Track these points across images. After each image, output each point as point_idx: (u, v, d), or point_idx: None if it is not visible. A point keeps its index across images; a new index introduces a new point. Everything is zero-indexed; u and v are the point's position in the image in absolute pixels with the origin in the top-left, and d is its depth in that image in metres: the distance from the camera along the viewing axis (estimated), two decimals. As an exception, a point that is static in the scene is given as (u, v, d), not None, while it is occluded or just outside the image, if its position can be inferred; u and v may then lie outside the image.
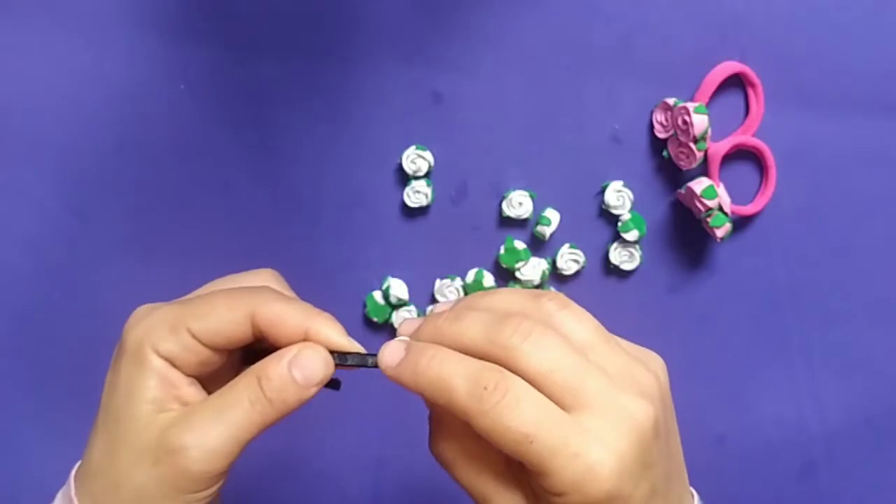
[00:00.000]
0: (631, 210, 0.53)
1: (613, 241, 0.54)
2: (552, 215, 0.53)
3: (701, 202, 0.50)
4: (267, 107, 0.53)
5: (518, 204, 0.52)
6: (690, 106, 0.49)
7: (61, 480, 0.39)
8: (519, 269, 0.53)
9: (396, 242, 0.54)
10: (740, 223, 0.54)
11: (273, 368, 0.36)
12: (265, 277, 0.41)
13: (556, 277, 0.54)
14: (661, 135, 0.52)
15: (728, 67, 0.51)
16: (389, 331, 0.55)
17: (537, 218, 0.53)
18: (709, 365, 0.55)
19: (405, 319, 0.39)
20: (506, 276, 0.54)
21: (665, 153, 0.52)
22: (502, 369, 0.34)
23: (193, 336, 0.36)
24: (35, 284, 0.55)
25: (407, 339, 0.37)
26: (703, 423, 0.56)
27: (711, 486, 0.57)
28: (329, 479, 0.57)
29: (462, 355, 0.35)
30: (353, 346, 0.37)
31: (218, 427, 0.35)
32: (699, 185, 0.50)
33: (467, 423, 0.34)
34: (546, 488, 0.33)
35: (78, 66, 0.52)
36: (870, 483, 0.57)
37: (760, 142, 0.52)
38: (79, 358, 0.55)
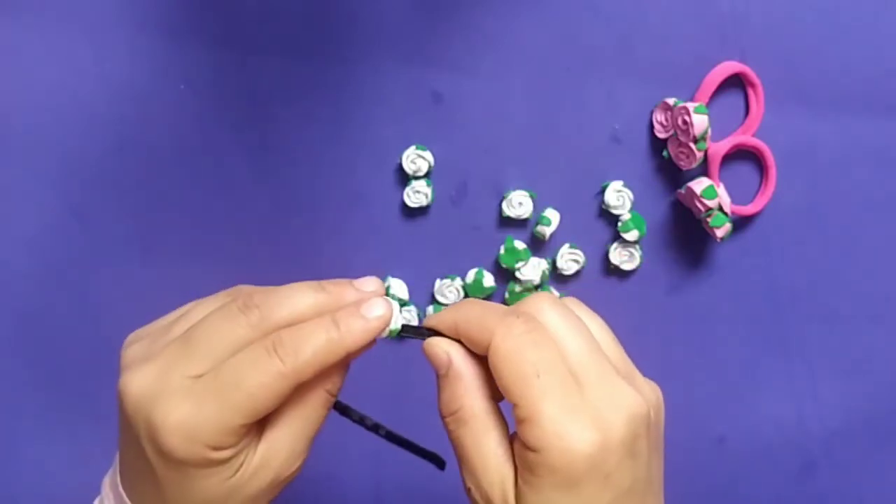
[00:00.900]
0: (631, 210, 0.53)
1: (613, 241, 0.54)
2: (552, 215, 0.53)
3: (701, 202, 0.50)
4: (267, 107, 0.53)
5: (518, 204, 0.52)
6: (690, 106, 0.49)
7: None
8: (519, 269, 0.53)
9: (396, 242, 0.54)
10: (740, 223, 0.54)
11: (342, 313, 0.36)
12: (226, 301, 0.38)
13: (556, 277, 0.54)
14: (661, 135, 0.52)
15: (728, 67, 0.51)
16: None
17: (537, 218, 0.53)
18: (709, 365, 0.55)
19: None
20: (506, 276, 0.54)
21: (665, 153, 0.52)
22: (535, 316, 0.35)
23: (246, 429, 0.35)
24: (35, 284, 0.55)
25: None
26: (703, 423, 0.56)
27: (711, 486, 0.57)
28: (329, 478, 0.56)
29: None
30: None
31: (300, 439, 0.37)
32: (699, 185, 0.50)
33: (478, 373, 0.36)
34: (528, 441, 0.33)
35: (78, 66, 0.52)
36: (870, 483, 0.57)
37: (760, 142, 0.52)
38: (79, 358, 0.55)
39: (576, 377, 0.34)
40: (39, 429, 0.56)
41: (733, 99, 0.52)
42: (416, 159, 0.52)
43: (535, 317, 0.35)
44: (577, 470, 0.32)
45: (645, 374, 0.55)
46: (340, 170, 0.53)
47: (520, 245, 0.53)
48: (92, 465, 0.43)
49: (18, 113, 0.53)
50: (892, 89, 0.52)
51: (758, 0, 0.51)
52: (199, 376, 0.34)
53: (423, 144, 0.52)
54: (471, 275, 0.54)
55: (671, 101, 0.51)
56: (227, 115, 0.53)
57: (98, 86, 0.52)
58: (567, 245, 0.53)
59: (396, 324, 0.37)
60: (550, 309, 0.36)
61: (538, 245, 0.54)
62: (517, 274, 0.53)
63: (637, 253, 0.53)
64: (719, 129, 0.52)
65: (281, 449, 0.36)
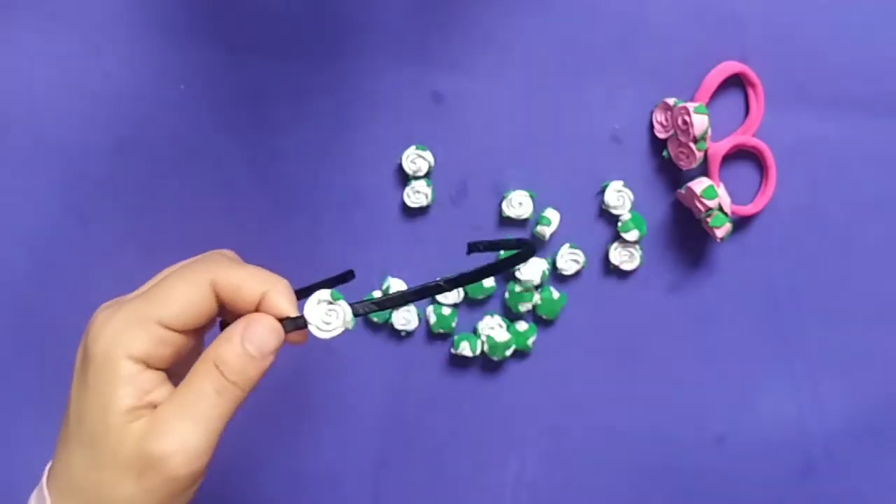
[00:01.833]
0: (631, 210, 0.53)
1: (613, 241, 0.54)
2: (552, 215, 0.53)
3: (701, 202, 0.50)
4: (267, 107, 0.53)
5: (518, 204, 0.52)
6: (690, 106, 0.49)
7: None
8: (519, 269, 0.53)
9: (396, 242, 0.54)
10: (740, 223, 0.54)
11: (227, 350, 0.36)
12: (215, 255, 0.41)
13: (556, 277, 0.54)
14: (661, 135, 0.52)
15: (728, 67, 0.51)
16: (389, 330, 0.55)
17: (537, 218, 0.53)
18: (708, 365, 0.55)
19: None
20: (506, 276, 0.54)
21: (665, 153, 0.52)
22: None
23: (164, 326, 0.36)
24: (35, 284, 0.55)
25: None
26: (703, 423, 0.56)
27: (711, 486, 0.57)
28: (329, 479, 0.57)
29: None
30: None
31: (193, 427, 0.35)
32: (699, 185, 0.50)
33: None
34: None
35: (78, 67, 0.52)
36: (870, 483, 0.57)
37: (760, 142, 0.52)
38: (79, 358, 0.55)
39: None
40: (39, 429, 0.56)
41: (733, 99, 0.52)
42: (416, 159, 0.52)
43: None
44: None
45: (645, 374, 0.56)
46: (340, 170, 0.53)
47: (520, 245, 0.53)
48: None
49: (19, 113, 0.53)
50: (892, 89, 0.52)
51: (758, 0, 0.51)
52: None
53: (423, 144, 0.52)
54: (471, 275, 0.54)
55: (671, 101, 0.51)
56: (226, 115, 0.53)
57: (98, 86, 0.52)
58: (567, 245, 0.53)
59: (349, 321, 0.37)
60: None
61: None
62: (517, 274, 0.53)
63: (637, 253, 0.53)
64: (719, 129, 0.52)
65: (163, 423, 0.35)
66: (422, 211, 0.54)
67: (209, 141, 0.53)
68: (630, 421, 0.56)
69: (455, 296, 0.54)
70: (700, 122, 0.49)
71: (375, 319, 0.54)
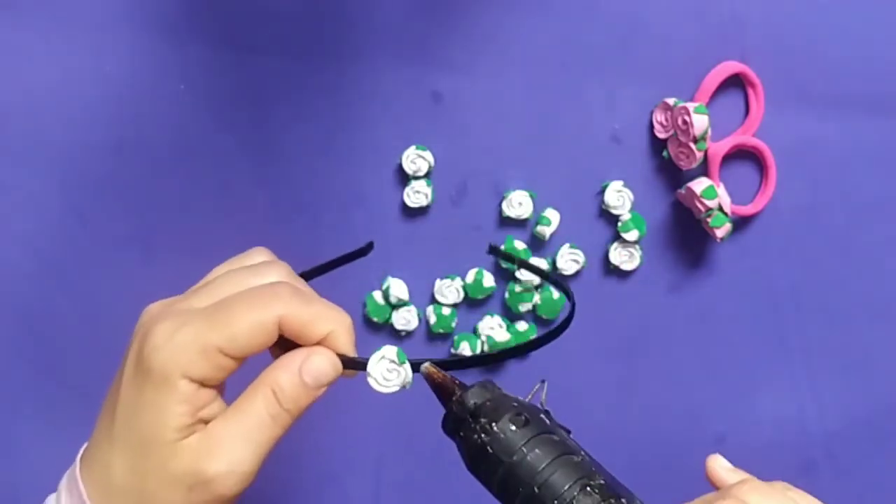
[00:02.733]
0: (631, 210, 0.53)
1: (613, 241, 0.54)
2: (552, 215, 0.53)
3: (701, 202, 0.50)
4: (267, 107, 0.53)
5: (518, 204, 0.52)
6: (690, 106, 0.49)
7: (61, 480, 0.39)
8: (519, 270, 0.53)
9: (396, 242, 0.54)
10: (740, 223, 0.54)
11: (286, 378, 0.37)
12: (263, 259, 0.42)
13: (556, 277, 0.54)
14: (661, 135, 0.52)
15: (728, 67, 0.51)
16: (389, 330, 0.55)
17: (537, 218, 0.53)
18: (709, 365, 0.55)
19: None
20: (506, 276, 0.54)
21: (665, 153, 0.52)
22: None
23: (225, 355, 0.36)
24: (35, 284, 0.55)
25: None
26: (703, 423, 0.56)
27: (711, 486, 0.57)
28: (329, 479, 0.57)
29: None
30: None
31: (247, 450, 0.36)
32: (699, 185, 0.50)
33: None
34: None
35: (78, 66, 0.52)
36: (870, 483, 0.57)
37: (760, 142, 0.52)
38: (79, 357, 0.55)
39: None
40: (39, 428, 0.56)
41: (733, 99, 0.52)
42: (416, 159, 0.52)
43: (742, 499, 0.36)
44: None
45: (645, 374, 0.56)
46: (340, 170, 0.53)
47: (520, 245, 0.53)
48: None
49: (19, 113, 0.53)
50: (892, 89, 0.52)
51: (758, 0, 0.51)
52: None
53: (423, 144, 0.52)
54: (471, 275, 0.54)
55: (671, 101, 0.51)
56: (226, 115, 0.53)
57: (98, 86, 0.52)
58: (567, 245, 0.53)
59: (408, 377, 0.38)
60: (757, 492, 0.37)
61: (538, 245, 0.54)
62: (517, 274, 0.53)
63: (637, 253, 0.53)
64: (719, 129, 0.52)
65: (218, 444, 0.36)
66: (422, 211, 0.54)
67: (209, 141, 0.53)
68: (630, 421, 0.56)
69: (455, 296, 0.54)
70: (700, 122, 0.49)
71: (375, 319, 0.54)
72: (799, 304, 0.55)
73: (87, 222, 0.54)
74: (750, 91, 0.52)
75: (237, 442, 0.36)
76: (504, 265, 0.53)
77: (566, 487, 0.33)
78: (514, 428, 0.34)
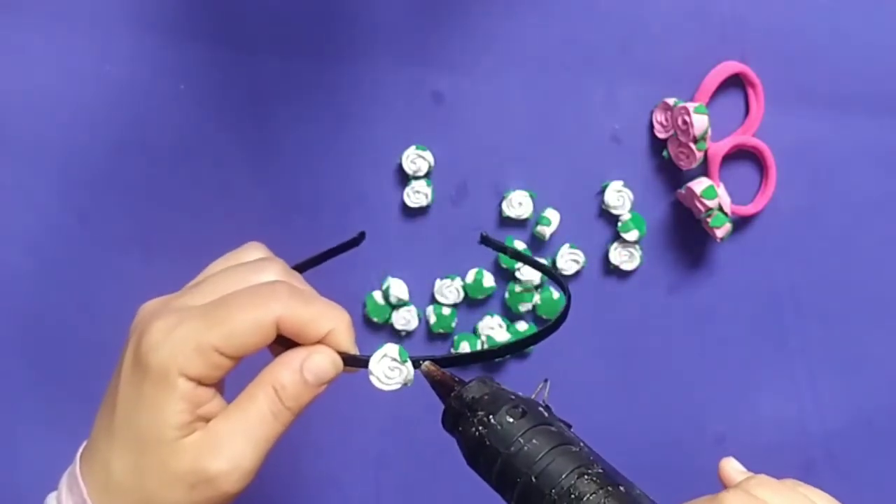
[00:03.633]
0: (631, 210, 0.53)
1: (613, 241, 0.54)
2: (552, 215, 0.53)
3: (701, 202, 0.50)
4: (267, 107, 0.53)
5: (518, 204, 0.52)
6: (690, 106, 0.49)
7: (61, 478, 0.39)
8: (519, 270, 0.53)
9: (396, 242, 0.54)
10: (740, 223, 0.54)
11: (287, 376, 0.37)
12: (259, 256, 0.41)
13: (549, 269, 0.54)
14: (661, 135, 0.52)
15: (728, 67, 0.51)
16: (389, 330, 0.55)
17: (537, 218, 0.53)
18: (709, 365, 0.55)
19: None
20: (506, 276, 0.54)
21: (665, 153, 0.52)
22: None
23: (221, 354, 0.36)
24: (35, 284, 0.55)
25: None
26: (703, 423, 0.56)
27: (711, 486, 0.57)
28: (329, 479, 0.57)
29: None
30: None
31: (249, 447, 0.36)
32: (699, 185, 0.50)
33: None
34: None
35: (78, 66, 0.52)
36: (870, 483, 0.57)
37: (760, 142, 0.52)
38: (78, 357, 0.55)
39: None
40: (39, 429, 0.56)
41: (733, 99, 0.52)
42: (416, 159, 0.52)
43: (752, 493, 0.36)
44: None
45: (645, 374, 0.56)
46: (340, 170, 0.53)
47: (520, 245, 0.53)
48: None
49: (19, 113, 0.53)
50: (892, 89, 0.52)
51: (758, 0, 0.51)
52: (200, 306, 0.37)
53: (423, 144, 0.52)
54: (471, 275, 0.54)
55: (671, 101, 0.51)
56: (226, 115, 0.53)
57: (98, 86, 0.52)
58: (567, 245, 0.53)
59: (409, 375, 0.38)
60: (767, 487, 0.37)
61: (538, 245, 0.54)
62: (517, 274, 0.53)
63: (637, 253, 0.53)
64: (719, 129, 0.52)
65: (220, 441, 0.36)
66: (422, 211, 0.54)
67: (209, 140, 0.53)
68: (630, 421, 0.56)
69: (455, 295, 0.54)
70: (700, 122, 0.49)
71: (375, 319, 0.54)
72: (799, 304, 0.55)
73: (87, 222, 0.54)
74: (750, 91, 0.52)
75: (239, 439, 0.36)
76: (504, 265, 0.53)
77: (564, 476, 0.33)
78: (511, 420, 0.34)
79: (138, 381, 0.36)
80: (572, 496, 0.32)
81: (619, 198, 0.52)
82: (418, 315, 0.54)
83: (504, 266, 0.53)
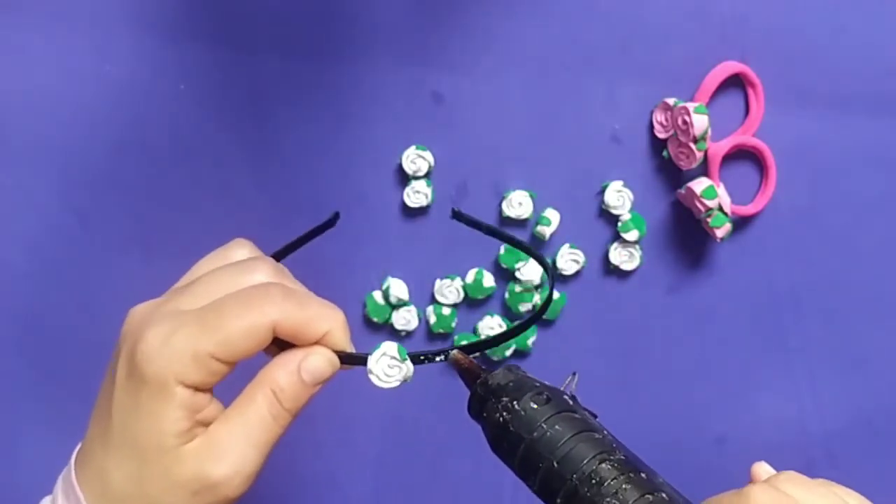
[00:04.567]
0: (631, 210, 0.53)
1: (613, 241, 0.54)
2: (552, 215, 0.53)
3: (701, 202, 0.50)
4: (267, 107, 0.53)
5: (518, 204, 0.52)
6: (690, 106, 0.49)
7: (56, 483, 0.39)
8: (519, 270, 0.53)
9: (396, 242, 0.54)
10: (740, 223, 0.54)
11: (285, 378, 0.37)
12: (245, 253, 0.41)
13: (556, 277, 0.54)
14: (661, 135, 0.52)
15: (728, 67, 0.51)
16: (389, 330, 0.55)
17: (537, 218, 0.53)
18: (709, 365, 0.55)
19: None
20: (506, 276, 0.54)
21: (665, 153, 0.52)
22: None
23: (218, 360, 0.36)
24: (35, 284, 0.55)
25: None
26: (703, 423, 0.56)
27: (711, 486, 0.57)
28: (329, 479, 0.57)
29: None
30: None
31: (251, 451, 0.36)
32: (699, 185, 0.50)
33: None
34: None
35: (78, 66, 0.52)
36: (870, 483, 0.57)
37: (760, 142, 0.52)
38: (79, 358, 0.55)
39: None
40: (39, 428, 0.56)
41: (733, 99, 0.52)
42: (416, 159, 0.52)
43: (780, 489, 0.37)
44: None
45: (645, 374, 0.56)
46: (340, 170, 0.53)
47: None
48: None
49: (19, 113, 0.53)
50: (892, 89, 0.52)
51: (758, 0, 0.51)
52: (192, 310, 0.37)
53: (423, 144, 0.52)
54: (471, 275, 0.54)
55: (671, 101, 0.51)
56: (226, 115, 0.53)
57: (98, 86, 0.52)
58: (567, 245, 0.53)
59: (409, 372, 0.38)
60: (797, 483, 0.38)
61: (538, 245, 0.54)
62: (517, 274, 0.53)
63: (637, 253, 0.53)
64: (719, 129, 0.52)
65: (221, 446, 0.36)
66: (422, 211, 0.54)
67: (209, 140, 0.53)
68: (630, 421, 0.56)
69: (455, 295, 0.54)
70: (700, 122, 0.49)
71: (375, 319, 0.54)
72: (799, 304, 0.55)
73: (87, 222, 0.54)
74: (750, 91, 0.52)
75: (240, 443, 0.36)
76: (504, 265, 0.53)
77: (585, 461, 0.33)
78: (535, 406, 0.34)
79: (134, 389, 0.36)
80: (593, 481, 0.32)
81: (619, 198, 0.52)
82: (418, 315, 0.54)
83: (504, 266, 0.53)
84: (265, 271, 0.39)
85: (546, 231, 0.52)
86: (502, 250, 0.53)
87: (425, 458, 0.56)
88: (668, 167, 0.53)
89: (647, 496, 0.32)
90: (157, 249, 0.54)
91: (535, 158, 0.53)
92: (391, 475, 0.56)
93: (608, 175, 0.53)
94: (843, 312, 0.55)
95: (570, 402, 0.35)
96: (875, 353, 0.55)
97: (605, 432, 0.35)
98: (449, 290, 0.54)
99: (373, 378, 0.38)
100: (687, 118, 0.49)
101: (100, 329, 0.54)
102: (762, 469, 0.43)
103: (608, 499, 0.32)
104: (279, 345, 0.38)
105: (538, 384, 0.36)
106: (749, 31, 0.51)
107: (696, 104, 0.49)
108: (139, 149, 0.53)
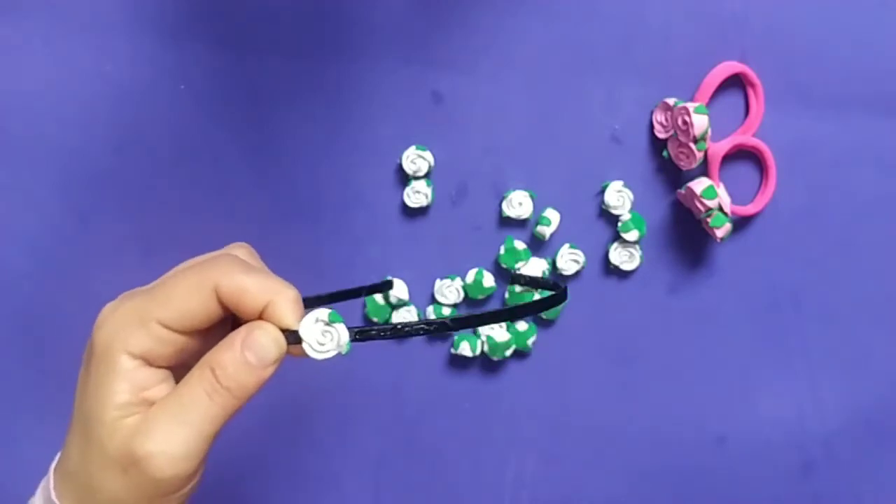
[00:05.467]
0: (631, 210, 0.53)
1: (613, 241, 0.54)
2: (552, 215, 0.53)
3: (701, 202, 0.50)
4: (267, 107, 0.53)
5: (518, 204, 0.52)
6: (690, 106, 0.49)
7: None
8: (519, 270, 0.53)
9: (396, 242, 0.54)
10: (740, 223, 0.54)
11: (226, 356, 0.35)
12: (230, 251, 0.40)
13: (556, 277, 0.54)
14: (661, 135, 0.52)
15: (728, 67, 0.51)
16: (389, 331, 0.55)
17: (537, 218, 0.53)
18: (709, 365, 0.55)
19: None
20: (506, 277, 0.54)
21: (665, 153, 0.52)
22: None
23: (164, 326, 0.35)
24: (35, 284, 0.55)
25: None
26: (703, 423, 0.56)
27: (711, 486, 0.57)
28: (329, 479, 0.57)
29: None
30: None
31: (180, 430, 0.34)
32: (699, 185, 0.50)
33: None
34: None
35: (78, 66, 0.52)
36: (870, 483, 0.57)
37: (760, 142, 0.52)
38: (78, 357, 0.55)
39: None
40: (39, 429, 0.56)
41: (733, 99, 0.52)
42: (416, 159, 0.52)
43: None
44: None
45: (645, 374, 0.56)
46: (340, 170, 0.53)
47: (520, 245, 0.53)
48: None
49: (19, 113, 0.53)
50: (892, 89, 0.52)
51: (758, 0, 0.51)
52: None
53: (423, 144, 0.52)
54: (471, 275, 0.54)
55: (671, 101, 0.51)
56: (226, 115, 0.53)
57: (98, 86, 0.52)
58: (567, 245, 0.53)
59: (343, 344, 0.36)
60: None
61: (538, 245, 0.54)
62: (518, 274, 0.53)
63: (637, 253, 0.53)
64: (719, 129, 0.52)
65: (150, 422, 0.35)
66: (422, 211, 0.54)
67: (209, 141, 0.53)
68: (630, 421, 0.56)
69: (455, 296, 0.54)
70: (700, 122, 0.49)
71: (375, 319, 0.54)
72: (799, 304, 0.55)
73: (87, 222, 0.54)
74: (750, 91, 0.52)
75: (170, 422, 0.35)
76: (504, 265, 0.53)
77: None
78: None
79: (86, 362, 0.36)
80: None
81: (619, 198, 0.52)
82: (418, 315, 0.54)
83: (504, 266, 0.53)
84: (228, 255, 0.38)
85: (546, 231, 0.52)
86: (502, 250, 0.53)
87: (425, 458, 0.56)
88: (668, 167, 0.53)
89: None
90: (157, 249, 0.54)
91: (535, 158, 0.53)
92: (391, 475, 0.56)
93: (608, 175, 0.53)
94: (843, 312, 0.55)
95: None
96: (875, 353, 0.55)
97: None
98: (449, 290, 0.54)
99: (306, 347, 0.35)
100: (687, 118, 0.49)
101: (100, 329, 0.54)
102: None
103: None
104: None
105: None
106: (749, 31, 0.51)
107: (696, 104, 0.49)
108: (139, 149, 0.53)
